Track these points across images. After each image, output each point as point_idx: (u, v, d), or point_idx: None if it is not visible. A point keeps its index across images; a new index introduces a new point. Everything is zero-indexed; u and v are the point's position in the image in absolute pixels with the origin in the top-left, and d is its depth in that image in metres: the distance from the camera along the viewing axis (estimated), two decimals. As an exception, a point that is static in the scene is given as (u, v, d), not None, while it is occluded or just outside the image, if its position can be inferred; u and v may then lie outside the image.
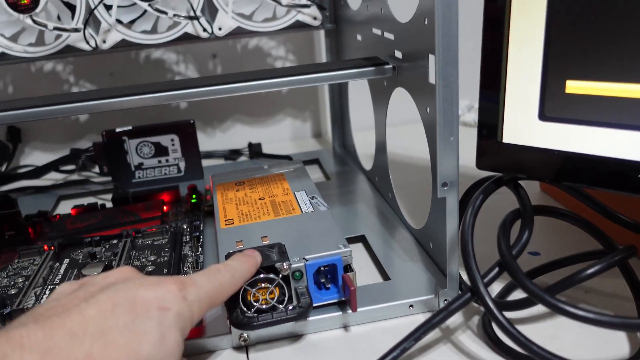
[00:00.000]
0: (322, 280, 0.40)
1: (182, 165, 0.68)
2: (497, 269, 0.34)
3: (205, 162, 0.70)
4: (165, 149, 0.67)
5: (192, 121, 0.66)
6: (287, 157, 0.73)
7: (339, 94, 0.73)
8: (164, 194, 0.60)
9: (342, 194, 0.62)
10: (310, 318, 0.40)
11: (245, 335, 0.39)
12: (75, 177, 0.74)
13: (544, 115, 0.35)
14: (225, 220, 0.46)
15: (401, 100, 0.49)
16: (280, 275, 0.38)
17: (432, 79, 0.39)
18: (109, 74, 0.78)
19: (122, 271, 0.33)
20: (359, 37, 0.59)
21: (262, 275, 0.38)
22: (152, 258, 0.48)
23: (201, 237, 0.51)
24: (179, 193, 0.61)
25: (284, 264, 0.38)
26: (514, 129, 0.36)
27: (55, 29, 0.60)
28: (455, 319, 0.40)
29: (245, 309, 0.37)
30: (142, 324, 0.28)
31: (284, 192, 0.50)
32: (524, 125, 0.36)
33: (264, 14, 0.66)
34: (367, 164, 0.64)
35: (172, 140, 0.67)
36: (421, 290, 0.42)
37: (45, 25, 0.60)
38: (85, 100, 0.44)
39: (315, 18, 0.66)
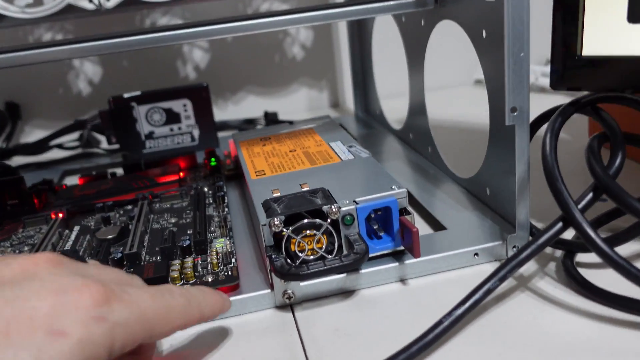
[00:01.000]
0: (375, 227, 0.35)
1: (196, 133, 0.63)
2: (591, 194, 0.29)
3: (219, 134, 0.65)
4: (177, 116, 0.62)
5: (205, 84, 0.61)
6: (309, 122, 0.68)
7: (361, 56, 0.68)
8: (179, 160, 0.55)
9: (374, 154, 0.57)
10: (363, 271, 0.35)
11: (290, 291, 0.34)
12: (79, 152, 0.68)
13: (634, 16, 0.30)
14: (256, 172, 0.41)
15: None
16: (329, 220, 0.33)
17: (489, -6, 0.34)
18: (112, 44, 0.73)
19: (35, 261, 0.23)
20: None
21: (306, 221, 0.33)
22: (172, 220, 0.43)
23: (225, 198, 0.46)
24: (195, 159, 0.56)
25: (333, 206, 0.33)
26: (596, 37, 0.31)
27: (55, -15, 0.55)
28: (528, 267, 0.35)
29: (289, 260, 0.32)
30: (7, 356, 0.19)
31: (317, 144, 0.45)
32: (609, 31, 0.31)
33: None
34: (397, 125, 0.59)
35: (185, 105, 0.61)
36: (485, 237, 0.37)
37: (43, -18, 0.55)
38: (79, 42, 0.39)
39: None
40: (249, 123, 0.72)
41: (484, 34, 0.36)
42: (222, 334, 0.32)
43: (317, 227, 0.33)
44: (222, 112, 0.77)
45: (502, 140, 0.36)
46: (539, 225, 0.37)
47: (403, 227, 0.34)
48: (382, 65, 0.66)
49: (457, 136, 0.61)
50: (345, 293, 0.35)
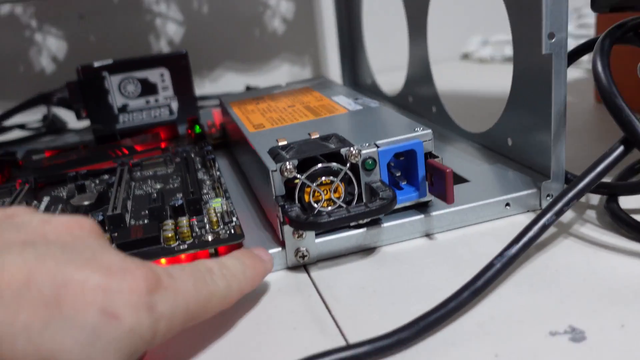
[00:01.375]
0: (397, 175, 0.31)
1: (175, 105, 0.57)
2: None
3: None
4: (153, 87, 0.56)
5: (184, 52, 0.56)
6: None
7: (349, 28, 0.63)
8: (159, 129, 0.50)
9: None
10: (385, 224, 0.30)
11: (304, 249, 0.29)
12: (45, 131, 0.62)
13: None
14: (254, 126, 0.36)
15: None
16: (348, 165, 0.29)
17: None
18: (77, 17, 0.67)
19: (77, 225, 0.20)
20: None
21: (320, 165, 0.28)
22: (157, 186, 0.38)
23: (216, 162, 0.41)
24: (176, 129, 0.51)
25: (352, 148, 0.29)
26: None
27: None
28: (565, 216, 0.31)
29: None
30: (60, 332, 0.16)
31: (317, 99, 0.41)
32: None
33: None
34: (393, 91, 0.56)
35: (162, 75, 0.56)
36: (516, 186, 0.33)
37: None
38: None
39: None
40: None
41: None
42: (228, 298, 0.27)
43: (335, 173, 0.29)
44: (199, 89, 0.72)
45: (531, 78, 0.32)
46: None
47: (432, 170, 0.30)
48: (374, 36, 0.62)
49: (462, 100, 0.57)
50: (365, 251, 0.30)
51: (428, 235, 0.31)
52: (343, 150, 0.29)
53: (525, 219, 0.32)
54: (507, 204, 0.32)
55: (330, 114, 0.36)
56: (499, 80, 0.65)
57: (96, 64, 0.55)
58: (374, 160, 0.29)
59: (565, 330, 0.22)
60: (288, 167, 0.28)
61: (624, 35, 0.30)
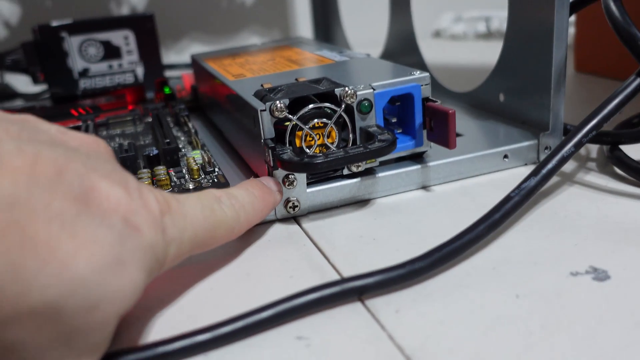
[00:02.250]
0: (393, 121, 0.29)
1: (140, 71, 0.54)
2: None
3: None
4: (117, 50, 0.53)
5: (150, 13, 0.53)
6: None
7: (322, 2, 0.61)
8: (125, 91, 0.46)
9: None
10: (380, 174, 0.28)
11: (294, 199, 0.27)
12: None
13: None
14: (234, 75, 0.34)
15: None
16: (343, 106, 0.26)
17: None
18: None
19: (94, 142, 0.20)
20: None
21: (312, 106, 0.26)
22: (127, 142, 0.35)
23: (190, 121, 0.38)
24: (143, 92, 0.47)
25: (348, 88, 0.26)
26: None
27: None
28: (567, 165, 0.30)
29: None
30: (91, 226, 0.16)
31: (298, 54, 0.38)
32: None
33: None
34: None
35: (126, 38, 0.53)
36: (513, 138, 0.31)
37: None
38: None
39: None
40: (198, 68, 0.64)
41: None
42: (213, 250, 0.25)
43: (328, 115, 0.26)
44: (165, 60, 0.69)
45: (528, 31, 0.31)
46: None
47: (433, 114, 0.28)
48: (350, 10, 0.60)
49: (440, 73, 0.56)
50: (358, 203, 0.28)
51: (425, 187, 0.29)
52: (337, 91, 0.26)
53: (525, 171, 0.30)
54: (506, 156, 0.30)
55: (316, 64, 0.34)
56: (474, 56, 0.64)
57: (54, 23, 0.51)
58: (370, 102, 0.27)
59: (586, 270, 0.21)
60: (279, 106, 0.25)
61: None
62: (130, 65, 0.54)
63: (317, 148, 0.27)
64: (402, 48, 0.46)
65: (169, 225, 0.18)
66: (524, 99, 0.33)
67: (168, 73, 0.59)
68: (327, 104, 0.26)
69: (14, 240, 0.14)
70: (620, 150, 0.29)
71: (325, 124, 0.26)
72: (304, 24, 0.69)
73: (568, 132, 0.31)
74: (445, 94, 0.41)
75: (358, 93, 0.27)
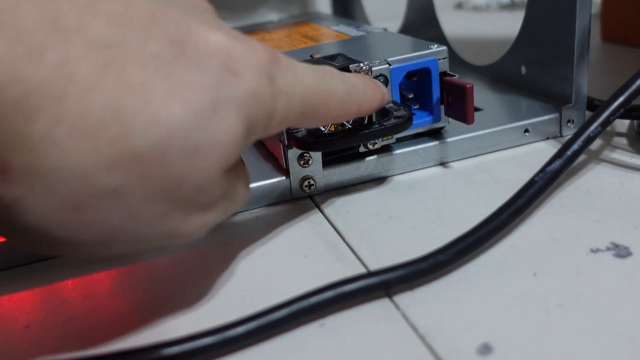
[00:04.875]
0: (409, 97, 0.28)
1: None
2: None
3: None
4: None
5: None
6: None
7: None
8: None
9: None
10: (397, 151, 0.28)
11: (311, 178, 0.27)
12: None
13: None
14: (249, 53, 0.33)
15: None
16: (358, 82, 0.26)
17: None
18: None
19: None
20: None
21: (330, 86, 0.26)
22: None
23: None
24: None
25: (362, 64, 0.26)
26: None
27: None
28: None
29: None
30: (186, 71, 0.15)
31: (315, 30, 0.38)
32: None
33: None
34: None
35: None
36: (534, 112, 0.31)
37: None
38: None
39: None
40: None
41: None
42: (229, 230, 0.25)
43: (343, 92, 0.26)
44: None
45: (550, 4, 0.30)
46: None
47: (450, 88, 0.27)
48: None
49: (461, 45, 0.54)
50: (375, 181, 0.28)
51: (443, 163, 0.29)
52: (352, 67, 0.26)
53: (546, 146, 0.30)
54: (526, 130, 0.30)
55: (332, 40, 0.34)
56: (496, 28, 0.62)
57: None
58: (386, 78, 0.27)
59: (607, 247, 0.20)
60: (293, 84, 0.25)
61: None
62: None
63: (332, 126, 0.26)
64: (421, 21, 0.45)
65: (277, 75, 0.17)
66: (546, 71, 0.32)
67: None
68: (341, 81, 0.26)
69: (111, 81, 0.14)
70: (648, 124, 0.28)
71: (340, 101, 0.26)
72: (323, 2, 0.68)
73: (595, 106, 0.30)
74: (465, 68, 0.40)
75: (373, 69, 0.26)
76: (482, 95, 0.35)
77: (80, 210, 0.14)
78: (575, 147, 0.23)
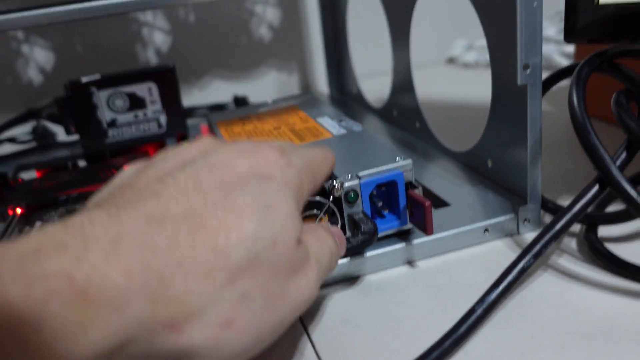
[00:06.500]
0: (379, 205, 0.32)
1: (163, 119, 0.58)
2: (625, 152, 0.26)
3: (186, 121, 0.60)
4: (141, 101, 0.57)
5: (172, 65, 0.57)
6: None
7: (334, 34, 0.64)
8: (148, 146, 0.50)
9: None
10: (368, 254, 0.31)
11: (289, 280, 0.30)
12: (35, 145, 0.63)
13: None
14: (240, 152, 0.37)
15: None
16: (332, 198, 0.30)
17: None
18: (64, 27, 0.67)
19: (200, 144, 0.25)
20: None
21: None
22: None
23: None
24: (165, 144, 0.51)
25: (335, 181, 0.30)
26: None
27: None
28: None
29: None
30: (238, 197, 0.21)
31: (302, 120, 0.42)
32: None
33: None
34: (378, 103, 0.56)
35: (150, 89, 0.57)
36: (494, 211, 0.34)
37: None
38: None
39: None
40: (218, 109, 0.68)
41: (484, -12, 0.34)
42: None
43: (318, 205, 0.30)
44: (187, 97, 0.73)
45: (508, 105, 0.34)
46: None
47: (412, 202, 0.31)
48: (359, 43, 0.62)
49: (446, 112, 0.58)
50: (349, 280, 0.31)
51: (410, 262, 0.32)
52: (327, 184, 0.30)
53: (502, 245, 0.33)
54: (486, 230, 0.33)
55: (315, 139, 0.37)
56: (483, 87, 0.65)
57: (84, 80, 0.55)
58: (356, 193, 0.30)
59: (537, 365, 0.23)
60: (272, 203, 0.29)
61: (603, 65, 0.30)
62: (154, 114, 0.58)
63: (309, 235, 0.30)
64: (404, 89, 0.49)
65: (291, 160, 0.24)
66: (506, 168, 0.35)
67: (189, 121, 0.63)
68: (317, 197, 0.29)
69: (203, 237, 0.19)
70: (594, 232, 0.31)
71: (316, 215, 0.30)
72: (318, 57, 0.72)
73: (546, 205, 0.34)
74: (442, 151, 0.44)
75: (345, 185, 0.30)
76: (452, 187, 0.38)
77: (232, 324, 0.20)
78: (509, 278, 0.26)
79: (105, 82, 0.55)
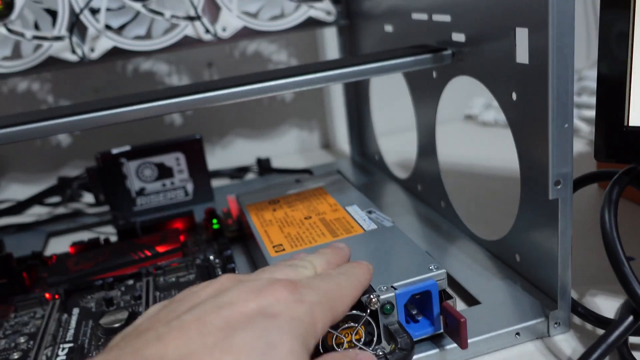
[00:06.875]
0: (414, 312, 0.33)
1: (190, 187, 0.59)
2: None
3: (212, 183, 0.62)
4: (169, 170, 0.58)
5: (198, 137, 0.58)
6: (307, 171, 0.65)
7: (356, 96, 0.66)
8: (177, 221, 0.51)
9: (378, 206, 0.55)
10: (402, 360, 0.32)
11: (325, 390, 0.31)
12: (63, 210, 0.64)
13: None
14: (274, 247, 0.38)
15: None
16: (368, 311, 0.30)
17: (521, 57, 0.33)
18: (93, 91, 0.69)
19: (217, 283, 0.26)
20: (388, 28, 0.52)
21: (343, 313, 0.30)
22: (182, 299, 0.40)
23: (236, 270, 0.43)
24: (193, 219, 0.52)
25: (372, 295, 0.30)
26: (642, 109, 0.30)
27: (35, 38, 0.52)
28: (574, 348, 0.33)
29: (327, 357, 0.30)
30: (238, 338, 0.22)
31: (332, 209, 0.43)
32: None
33: (271, 12, 0.59)
34: (401, 173, 0.57)
35: (177, 159, 0.58)
36: (525, 314, 0.35)
37: (22, 35, 0.51)
38: (64, 115, 0.36)
39: (328, 13, 0.60)
40: (242, 171, 0.69)
41: (514, 97, 0.35)
42: None
43: (355, 318, 0.30)
44: (210, 156, 0.74)
45: (537, 209, 0.34)
46: (574, 294, 0.35)
47: (447, 313, 0.31)
48: (381, 106, 0.64)
49: (471, 189, 0.58)
50: (384, 384, 0.32)
51: (443, 367, 0.33)
52: (363, 298, 0.30)
53: (533, 347, 0.33)
54: (517, 333, 0.34)
55: (348, 234, 0.38)
56: (505, 150, 0.66)
57: (114, 151, 0.57)
58: (392, 304, 0.31)
59: None
60: (312, 318, 0.29)
61: (633, 182, 0.31)
62: (181, 182, 0.59)
63: (347, 344, 0.31)
64: (427, 161, 0.50)
65: (303, 295, 0.24)
66: (535, 266, 0.36)
67: (214, 182, 0.64)
68: (354, 311, 0.30)
69: None
70: (625, 344, 0.31)
71: (353, 326, 0.30)
72: (339, 118, 0.73)
73: (576, 309, 0.34)
74: (469, 235, 0.45)
75: (381, 297, 0.31)
76: (480, 280, 0.39)
77: None
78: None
79: (135, 153, 0.57)
